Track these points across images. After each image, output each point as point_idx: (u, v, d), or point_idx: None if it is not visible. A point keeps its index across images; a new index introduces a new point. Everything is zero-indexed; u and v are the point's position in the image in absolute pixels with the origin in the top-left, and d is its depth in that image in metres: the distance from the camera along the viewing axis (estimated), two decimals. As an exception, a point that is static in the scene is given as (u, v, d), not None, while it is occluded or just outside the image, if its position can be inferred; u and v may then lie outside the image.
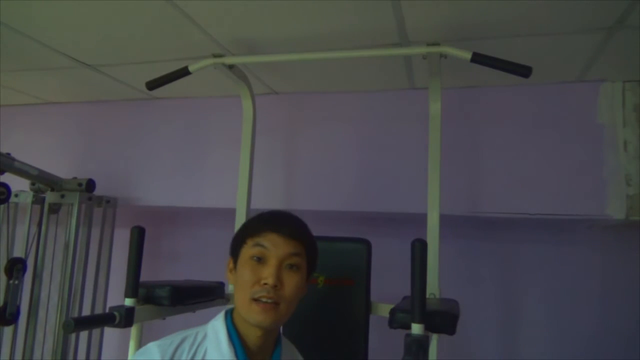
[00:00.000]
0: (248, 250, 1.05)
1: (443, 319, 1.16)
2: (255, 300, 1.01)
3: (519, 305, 2.21)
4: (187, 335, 1.05)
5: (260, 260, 1.03)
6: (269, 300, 1.01)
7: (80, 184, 2.14)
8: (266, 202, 2.10)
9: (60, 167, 2.31)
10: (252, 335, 1.04)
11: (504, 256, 2.26)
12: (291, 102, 2.19)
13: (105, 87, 2.25)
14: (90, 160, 2.41)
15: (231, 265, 1.11)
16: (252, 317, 1.01)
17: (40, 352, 2.13)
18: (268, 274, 1.01)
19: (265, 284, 1.01)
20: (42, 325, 2.14)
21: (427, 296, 1.20)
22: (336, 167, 2.08)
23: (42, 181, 2.11)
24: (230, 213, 1.76)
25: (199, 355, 1.02)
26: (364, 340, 1.51)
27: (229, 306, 1.16)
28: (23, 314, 2.04)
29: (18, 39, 1.74)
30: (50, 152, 2.47)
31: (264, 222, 1.08)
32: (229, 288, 1.56)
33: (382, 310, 1.53)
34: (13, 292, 1.95)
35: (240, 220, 1.71)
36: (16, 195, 2.13)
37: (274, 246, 1.04)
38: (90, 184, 2.17)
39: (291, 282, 1.03)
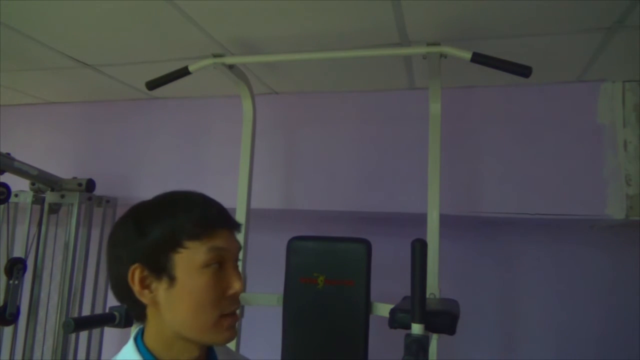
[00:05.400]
0: (198, 257, 0.80)
1: (443, 319, 1.16)
2: (225, 316, 0.81)
3: (519, 305, 2.21)
4: None
5: (217, 266, 0.81)
6: (237, 311, 0.84)
7: (80, 184, 2.14)
8: (266, 202, 2.10)
9: (60, 167, 2.31)
10: (188, 352, 0.83)
11: (504, 256, 2.26)
12: (291, 102, 2.19)
13: (105, 87, 2.25)
14: (90, 160, 2.41)
15: (143, 274, 0.80)
16: (220, 337, 0.81)
17: (40, 352, 2.13)
18: (234, 280, 0.82)
19: (234, 293, 0.82)
20: (42, 325, 2.14)
21: (427, 296, 1.21)
22: (336, 167, 2.08)
23: (42, 181, 2.11)
24: (230, 213, 1.76)
25: None
26: (364, 340, 1.51)
27: (134, 329, 0.90)
28: (23, 314, 2.04)
29: (18, 39, 1.74)
30: (50, 152, 2.47)
31: (210, 217, 0.84)
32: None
33: (382, 310, 1.53)
34: (13, 292, 1.95)
35: (240, 220, 1.71)
36: (16, 195, 2.13)
37: (229, 245, 0.84)
38: (90, 184, 2.17)
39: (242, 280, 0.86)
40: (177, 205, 0.84)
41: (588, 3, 1.34)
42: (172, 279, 0.79)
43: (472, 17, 1.46)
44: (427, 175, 1.55)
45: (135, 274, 0.79)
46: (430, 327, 1.13)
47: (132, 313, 0.87)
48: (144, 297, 0.80)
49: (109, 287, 0.87)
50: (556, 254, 2.20)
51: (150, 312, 0.82)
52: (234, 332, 0.83)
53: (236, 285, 0.81)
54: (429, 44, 1.48)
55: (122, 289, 0.82)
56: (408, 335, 1.05)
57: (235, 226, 0.87)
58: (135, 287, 0.79)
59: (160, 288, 0.80)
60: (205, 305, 0.79)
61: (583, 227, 2.16)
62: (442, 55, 1.48)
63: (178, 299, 0.79)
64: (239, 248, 0.86)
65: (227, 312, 0.81)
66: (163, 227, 0.80)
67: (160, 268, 0.80)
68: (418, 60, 1.73)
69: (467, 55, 1.42)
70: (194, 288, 0.79)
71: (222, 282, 0.81)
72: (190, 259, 0.79)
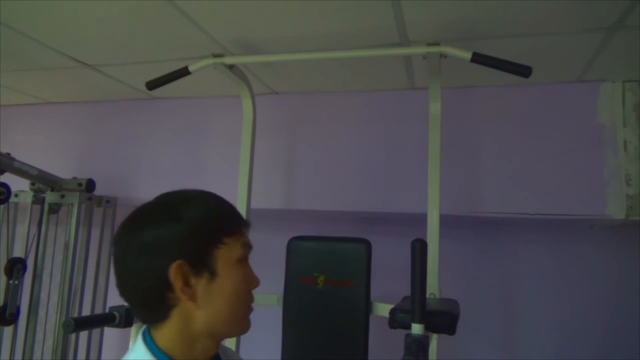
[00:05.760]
0: (234, 252, 0.84)
1: (443, 319, 1.16)
2: (249, 307, 0.88)
3: (519, 305, 2.21)
4: None
5: (245, 260, 0.88)
6: None
7: (80, 184, 2.14)
8: (266, 202, 2.10)
9: (60, 167, 2.31)
10: (208, 348, 0.85)
11: (504, 256, 2.26)
12: (291, 102, 2.19)
13: (105, 87, 2.25)
14: (90, 160, 2.41)
15: (185, 270, 0.79)
16: (245, 327, 0.88)
17: (40, 352, 2.13)
18: (254, 275, 0.89)
19: (255, 287, 0.89)
20: (42, 325, 2.14)
21: (427, 296, 1.21)
22: (336, 167, 2.08)
23: (42, 181, 2.11)
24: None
25: None
26: (364, 340, 1.51)
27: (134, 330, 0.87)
28: (23, 314, 2.04)
29: (18, 39, 1.74)
30: (50, 152, 2.47)
31: (239, 217, 0.91)
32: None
33: (382, 310, 1.53)
34: (13, 292, 1.95)
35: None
36: (16, 195, 2.13)
37: (248, 241, 0.90)
38: (90, 184, 2.17)
39: None
40: (209, 202, 0.88)
41: (588, 3, 1.34)
42: (213, 274, 0.81)
43: (472, 17, 1.46)
44: (427, 175, 1.55)
45: (179, 270, 0.78)
46: (430, 327, 1.13)
47: (142, 313, 0.85)
48: (185, 294, 0.79)
49: (118, 285, 0.84)
50: (556, 254, 2.20)
51: (178, 310, 0.81)
52: (249, 322, 0.89)
53: (256, 280, 0.89)
54: (429, 44, 1.48)
55: (149, 286, 0.80)
56: (408, 335, 1.05)
57: (246, 225, 0.92)
58: (178, 283, 0.78)
59: (200, 284, 0.80)
60: (240, 298, 0.85)
61: (583, 227, 2.16)
62: (442, 55, 1.48)
63: (217, 293, 0.82)
64: None
65: (249, 303, 0.88)
66: (204, 224, 0.83)
67: (202, 264, 0.81)
68: (418, 60, 1.73)
69: (467, 55, 1.42)
70: (232, 282, 0.83)
71: (250, 277, 0.88)
72: (228, 254, 0.83)
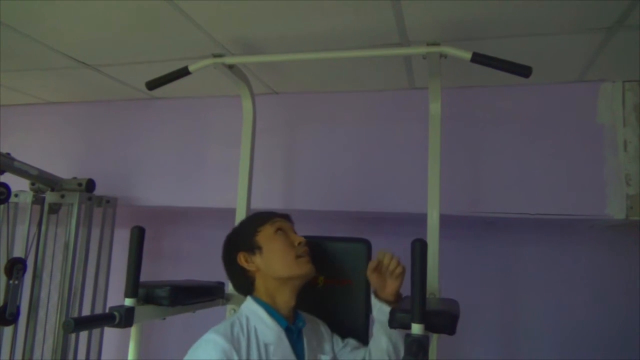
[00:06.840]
0: (268, 231, 1.33)
1: (443, 319, 1.16)
2: (299, 256, 1.31)
3: (519, 305, 2.21)
4: (232, 322, 1.23)
5: (281, 231, 1.34)
6: (307, 255, 1.34)
7: (80, 184, 2.14)
8: (266, 202, 2.10)
9: (60, 167, 2.31)
10: (286, 299, 1.31)
11: (504, 256, 2.26)
12: (291, 102, 2.19)
13: (105, 87, 2.25)
14: (90, 160, 2.41)
15: (246, 256, 1.33)
16: (301, 269, 1.30)
17: (40, 352, 2.13)
18: (295, 237, 1.35)
19: (300, 243, 1.33)
20: (42, 325, 2.14)
21: (427, 296, 1.20)
22: (336, 167, 2.08)
23: (42, 181, 2.11)
24: (231, 213, 1.76)
25: (252, 332, 1.24)
26: (364, 340, 1.51)
27: (230, 306, 1.39)
28: (23, 314, 2.04)
29: (18, 39, 1.74)
30: (50, 152, 2.47)
31: (264, 214, 1.39)
32: (229, 287, 1.56)
33: (382, 310, 1.52)
34: (13, 292, 1.95)
35: (240, 220, 1.71)
36: (16, 195, 2.13)
37: (282, 225, 1.36)
38: (90, 184, 2.17)
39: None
40: (246, 220, 1.45)
41: (588, 3, 1.34)
42: (261, 249, 1.32)
43: (472, 17, 1.46)
44: (427, 175, 1.55)
45: (242, 257, 1.33)
46: (430, 327, 1.13)
47: (245, 290, 1.36)
48: (252, 267, 1.32)
49: (232, 283, 1.40)
50: (556, 254, 2.20)
51: (257, 279, 1.33)
52: (311, 267, 1.33)
53: (297, 238, 1.35)
54: (429, 44, 1.48)
55: (239, 274, 1.35)
56: (408, 335, 1.05)
57: (281, 216, 1.40)
58: (245, 264, 1.32)
59: (257, 258, 1.32)
60: (285, 250, 1.31)
61: (583, 227, 2.16)
62: (442, 55, 1.48)
63: (269, 255, 1.31)
64: (291, 225, 1.41)
65: (299, 253, 1.32)
66: (242, 229, 1.40)
67: (251, 247, 1.33)
68: (418, 60, 1.73)
69: (467, 55, 1.42)
70: (276, 245, 1.32)
71: (290, 239, 1.34)
72: (265, 234, 1.33)
